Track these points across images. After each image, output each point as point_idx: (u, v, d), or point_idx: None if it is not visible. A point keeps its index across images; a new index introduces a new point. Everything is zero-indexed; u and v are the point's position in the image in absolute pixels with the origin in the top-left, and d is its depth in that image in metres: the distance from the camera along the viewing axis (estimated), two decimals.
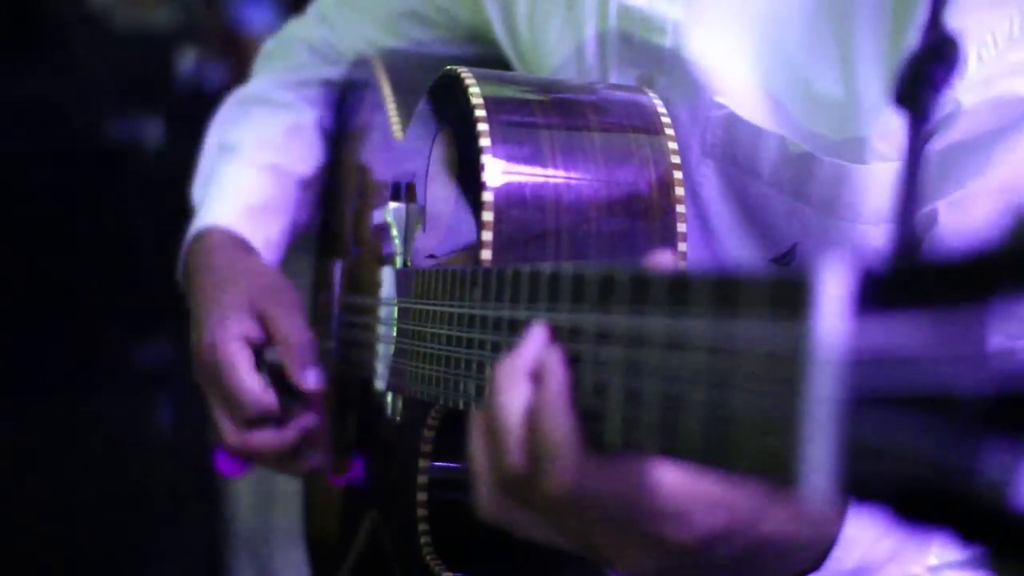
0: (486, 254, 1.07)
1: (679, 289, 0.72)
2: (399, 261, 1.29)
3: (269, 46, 1.73)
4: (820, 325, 0.59)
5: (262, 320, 1.43)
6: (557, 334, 0.84)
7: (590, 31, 1.31)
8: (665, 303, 0.74)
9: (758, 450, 0.64)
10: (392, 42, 1.60)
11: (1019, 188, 1.09)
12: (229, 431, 1.41)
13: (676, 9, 1.22)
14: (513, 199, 1.08)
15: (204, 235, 1.55)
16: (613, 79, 1.29)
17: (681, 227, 1.09)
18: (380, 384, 1.32)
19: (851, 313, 0.58)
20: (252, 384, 1.39)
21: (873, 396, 0.57)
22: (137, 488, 3.06)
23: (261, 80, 1.69)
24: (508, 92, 1.15)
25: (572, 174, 1.09)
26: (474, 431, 0.88)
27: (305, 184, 1.64)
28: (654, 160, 1.10)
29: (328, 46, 1.66)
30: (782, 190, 1.18)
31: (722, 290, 0.68)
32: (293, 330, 1.42)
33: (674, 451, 0.73)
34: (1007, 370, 0.54)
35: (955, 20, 1.08)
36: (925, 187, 1.14)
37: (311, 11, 1.70)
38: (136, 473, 3.07)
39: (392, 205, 1.30)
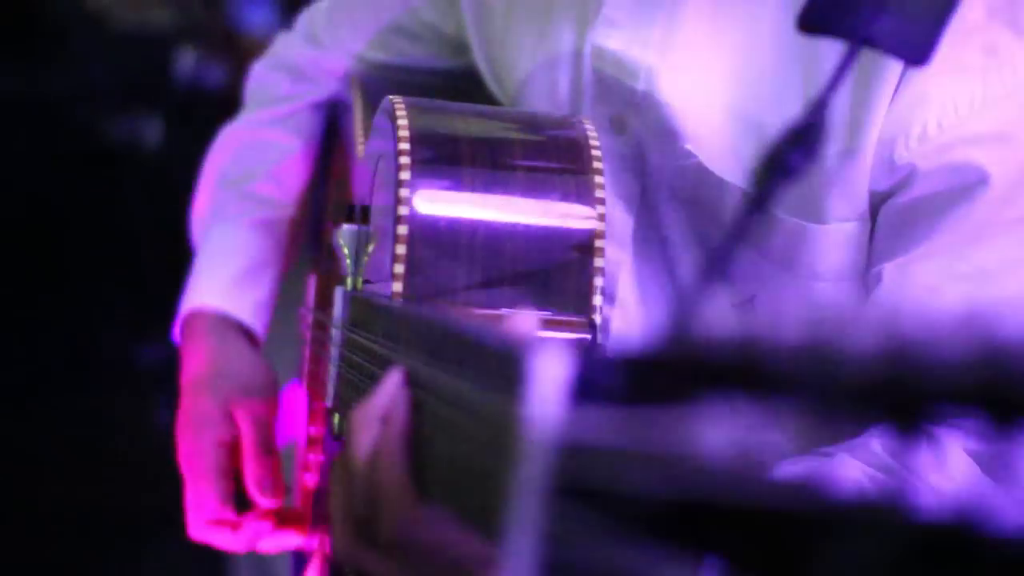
0: (397, 287, 1.09)
1: (441, 346, 0.75)
2: (349, 283, 1.31)
3: (255, 74, 1.70)
4: (532, 407, 0.59)
5: (235, 421, 1.49)
6: (408, 378, 0.86)
7: (564, 67, 1.31)
8: (448, 361, 0.76)
9: (488, 515, 0.65)
10: (382, 57, 1.59)
11: (963, 258, 1.08)
12: (190, 522, 1.49)
13: (650, 55, 1.21)
14: (427, 235, 1.09)
15: (192, 318, 1.58)
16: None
17: (598, 262, 1.08)
18: (329, 403, 1.34)
19: (565, 400, 0.59)
20: (212, 494, 1.45)
21: (574, 487, 0.56)
22: (137, 488, 3.06)
23: (247, 117, 1.68)
24: (439, 125, 1.16)
25: (490, 213, 1.10)
26: (332, 470, 0.91)
27: (297, 222, 1.65)
28: (577, 199, 1.10)
29: (315, 66, 1.65)
30: (743, 242, 1.18)
31: (465, 351, 0.71)
32: (255, 443, 1.48)
33: (448, 507, 0.76)
34: (693, 477, 0.53)
35: (920, 83, 1.08)
36: (877, 246, 1.14)
37: (298, 29, 1.68)
38: (136, 473, 3.07)
39: (344, 227, 1.31)
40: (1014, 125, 1.09)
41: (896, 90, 1.10)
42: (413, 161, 1.12)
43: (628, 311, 1.25)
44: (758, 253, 1.18)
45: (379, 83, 1.57)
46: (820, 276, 1.16)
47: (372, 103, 1.45)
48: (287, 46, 1.68)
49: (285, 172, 1.63)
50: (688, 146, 1.19)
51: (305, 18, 1.68)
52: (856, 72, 1.11)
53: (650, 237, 1.23)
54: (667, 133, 1.21)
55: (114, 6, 3.20)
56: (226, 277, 1.57)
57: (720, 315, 1.15)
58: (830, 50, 1.10)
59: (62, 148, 3.07)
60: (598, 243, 1.08)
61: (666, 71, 1.21)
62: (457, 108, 1.27)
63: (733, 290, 1.21)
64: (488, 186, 1.11)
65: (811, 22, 0.91)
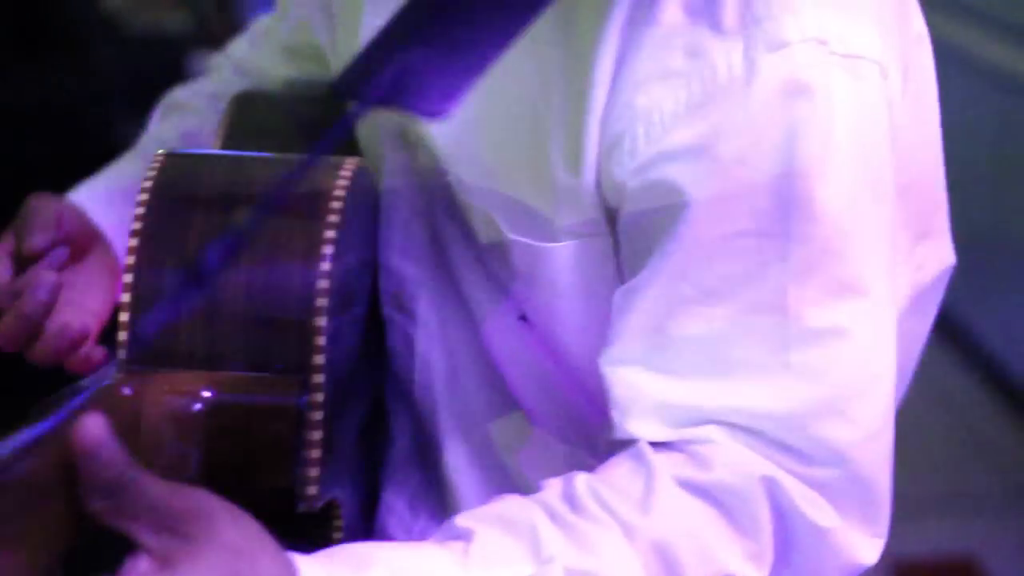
0: (122, 354, 1.04)
1: None
2: None
3: (212, 60, 1.72)
4: None
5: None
6: None
7: None
8: None
9: None
10: (292, 74, 1.57)
11: (685, 280, 1.00)
12: None
13: None
14: (148, 302, 1.04)
15: None
16: (385, 140, 1.24)
17: (320, 321, 1.02)
18: None
19: None
20: None
21: None
22: None
23: (188, 87, 1.68)
24: (185, 182, 1.11)
25: (214, 276, 1.01)
26: None
27: None
28: (303, 256, 1.04)
29: (255, 68, 1.64)
30: (497, 261, 1.14)
31: None
32: (28, 219, 1.35)
33: None
34: None
35: (628, 92, 1.01)
36: (620, 267, 1.08)
37: (247, 32, 1.68)
38: None
39: None
40: (712, 135, 0.99)
41: (607, 102, 1.02)
42: (143, 226, 1.07)
43: (431, 330, 1.20)
44: (509, 271, 1.13)
45: (246, 111, 1.49)
46: (563, 294, 1.09)
47: (232, 132, 1.40)
48: (236, 44, 1.68)
49: (191, 140, 1.57)
50: (443, 165, 1.14)
51: (252, 24, 1.68)
52: (569, 81, 1.05)
53: (441, 253, 1.18)
54: (430, 153, 1.16)
55: (129, 10, 3.22)
56: (101, 189, 1.50)
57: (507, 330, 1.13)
58: (557, 79, 1.05)
59: (77, 151, 3.08)
60: (320, 302, 1.02)
61: None
62: (218, 158, 1.22)
63: (514, 306, 1.16)
64: (216, 247, 1.01)
65: (338, 91, 0.89)
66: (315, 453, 0.98)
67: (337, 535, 1.08)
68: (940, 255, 1.18)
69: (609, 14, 1.02)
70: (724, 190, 0.98)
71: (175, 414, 0.97)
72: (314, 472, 0.98)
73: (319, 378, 1.00)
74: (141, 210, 1.08)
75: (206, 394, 0.99)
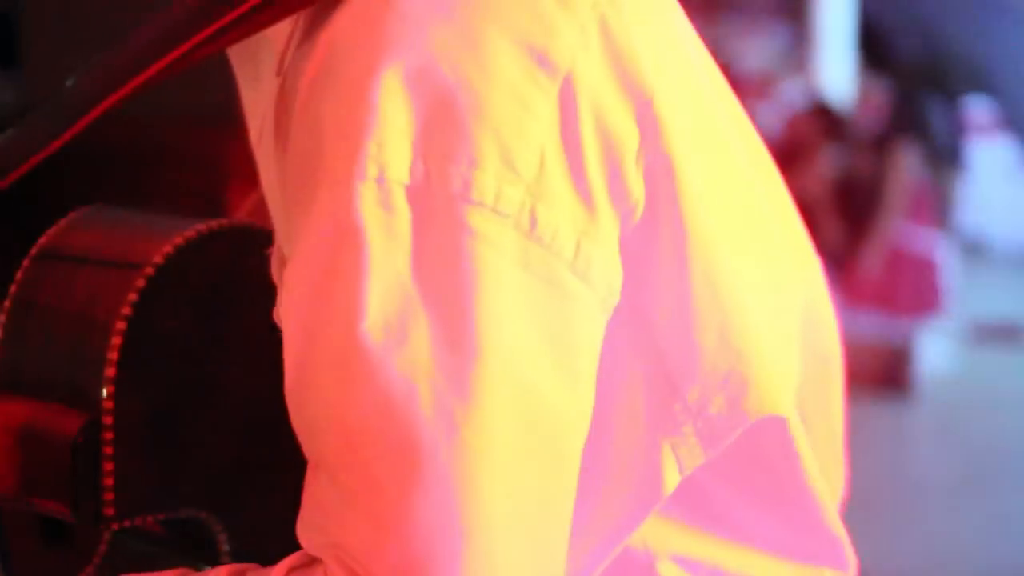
0: None
1: None
2: None
3: None
4: None
5: None
6: None
7: None
8: None
9: None
10: None
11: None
12: None
13: None
14: None
15: None
16: None
17: (111, 353, 1.03)
18: None
19: None
20: None
21: None
22: None
23: None
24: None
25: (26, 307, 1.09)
26: None
27: None
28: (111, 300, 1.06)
29: None
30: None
31: None
32: None
33: None
34: None
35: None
36: None
37: None
38: None
39: None
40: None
41: None
42: None
43: None
44: None
45: None
46: None
47: None
48: None
49: None
50: None
51: None
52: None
53: None
54: None
55: None
56: None
57: None
58: None
59: (84, 151, 3.06)
60: (111, 354, 1.03)
61: None
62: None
63: None
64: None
65: None
66: (108, 481, 1.02)
67: (224, 547, 1.10)
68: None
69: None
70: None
71: None
72: (108, 496, 1.02)
73: (108, 418, 1.01)
74: None
75: None
